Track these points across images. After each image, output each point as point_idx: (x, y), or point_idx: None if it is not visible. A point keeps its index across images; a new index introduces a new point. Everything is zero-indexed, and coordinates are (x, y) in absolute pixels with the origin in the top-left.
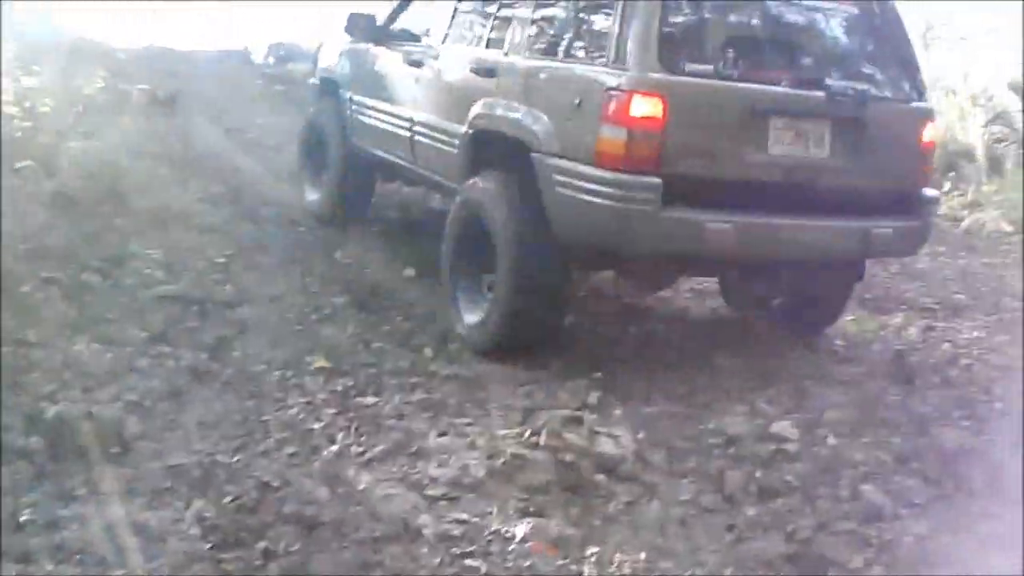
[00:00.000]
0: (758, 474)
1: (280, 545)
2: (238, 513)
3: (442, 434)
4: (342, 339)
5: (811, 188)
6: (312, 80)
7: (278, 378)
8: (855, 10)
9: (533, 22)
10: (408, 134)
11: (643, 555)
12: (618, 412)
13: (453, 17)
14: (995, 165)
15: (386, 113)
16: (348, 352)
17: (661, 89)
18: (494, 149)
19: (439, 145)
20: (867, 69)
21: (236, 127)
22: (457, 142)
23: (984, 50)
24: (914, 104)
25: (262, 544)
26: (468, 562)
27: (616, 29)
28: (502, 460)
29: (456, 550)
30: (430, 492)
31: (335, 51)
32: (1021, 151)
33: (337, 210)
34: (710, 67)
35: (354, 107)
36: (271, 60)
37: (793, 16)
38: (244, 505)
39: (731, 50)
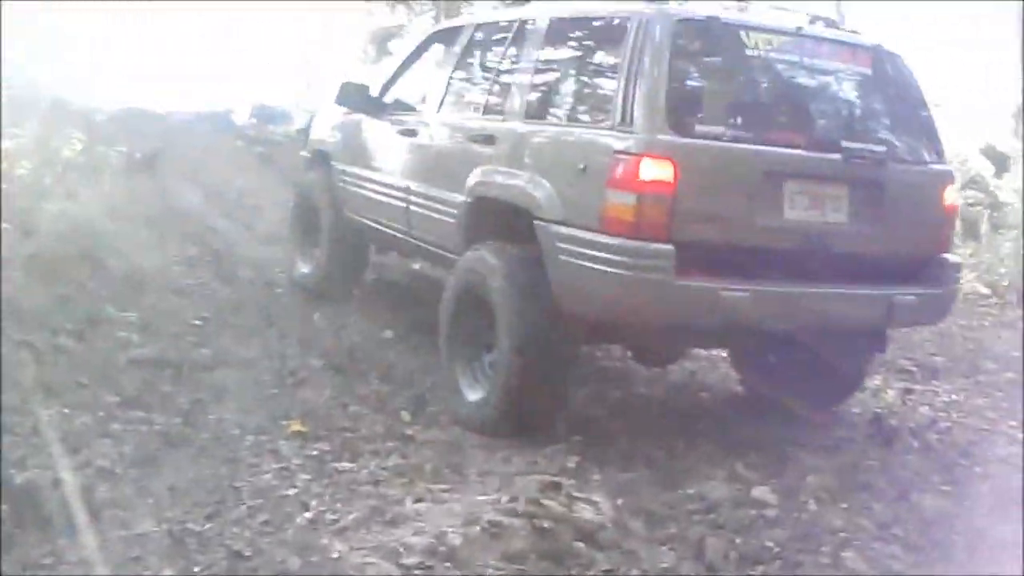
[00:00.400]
0: (738, 540)
1: None
2: None
3: (418, 500)
4: (318, 403)
5: (830, 254)
6: (303, 152)
7: (252, 443)
8: (869, 71)
9: (532, 87)
10: (404, 204)
11: None
12: (597, 477)
13: (448, 85)
14: (970, 229)
15: (381, 184)
16: (324, 416)
17: (671, 152)
18: (494, 218)
19: (436, 215)
20: (884, 131)
21: (215, 189)
22: (455, 211)
23: (957, 116)
24: (934, 166)
25: None
26: None
27: (621, 90)
28: (479, 527)
29: None
30: (405, 561)
31: (327, 122)
32: (995, 215)
33: (329, 283)
34: (721, 129)
35: (347, 178)
36: (253, 121)
37: (806, 76)
38: (214, 575)
39: (743, 111)
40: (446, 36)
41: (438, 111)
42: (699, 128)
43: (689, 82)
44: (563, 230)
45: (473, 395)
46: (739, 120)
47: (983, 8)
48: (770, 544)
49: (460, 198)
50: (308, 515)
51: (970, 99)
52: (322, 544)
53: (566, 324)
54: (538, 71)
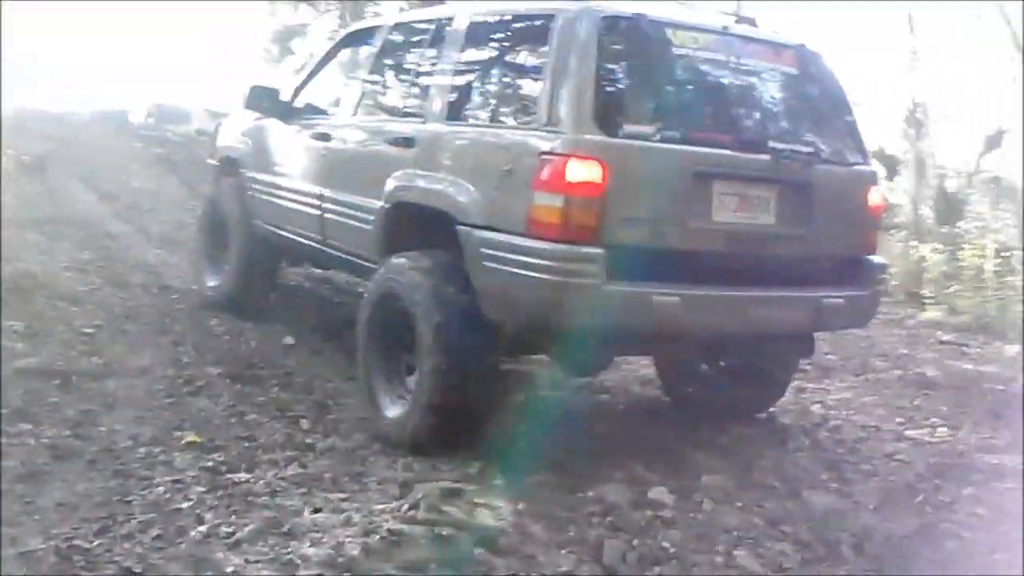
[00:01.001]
0: (635, 542)
1: None
2: None
3: (317, 511)
4: (215, 412)
5: (758, 257)
6: (210, 160)
7: (145, 455)
8: (794, 70)
9: (452, 88)
10: (318, 212)
11: None
12: (498, 482)
13: (363, 87)
14: None
15: (293, 191)
16: (221, 426)
17: (599, 152)
18: (414, 224)
19: (352, 222)
20: (810, 131)
21: (110, 191)
22: (372, 218)
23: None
24: (858, 167)
25: None
26: None
27: (547, 90)
28: (378, 536)
29: None
30: (302, 573)
31: (236, 128)
32: (884, 217)
33: (239, 296)
34: (650, 128)
35: (257, 186)
36: (151, 121)
37: (733, 76)
38: None
39: (671, 110)
40: (361, 37)
41: (353, 114)
42: (627, 128)
43: (616, 81)
44: (487, 235)
45: (393, 411)
46: (667, 119)
47: (873, 13)
48: (667, 545)
49: (377, 204)
50: (202, 528)
51: (860, 102)
52: (217, 558)
53: (491, 334)
54: (458, 72)
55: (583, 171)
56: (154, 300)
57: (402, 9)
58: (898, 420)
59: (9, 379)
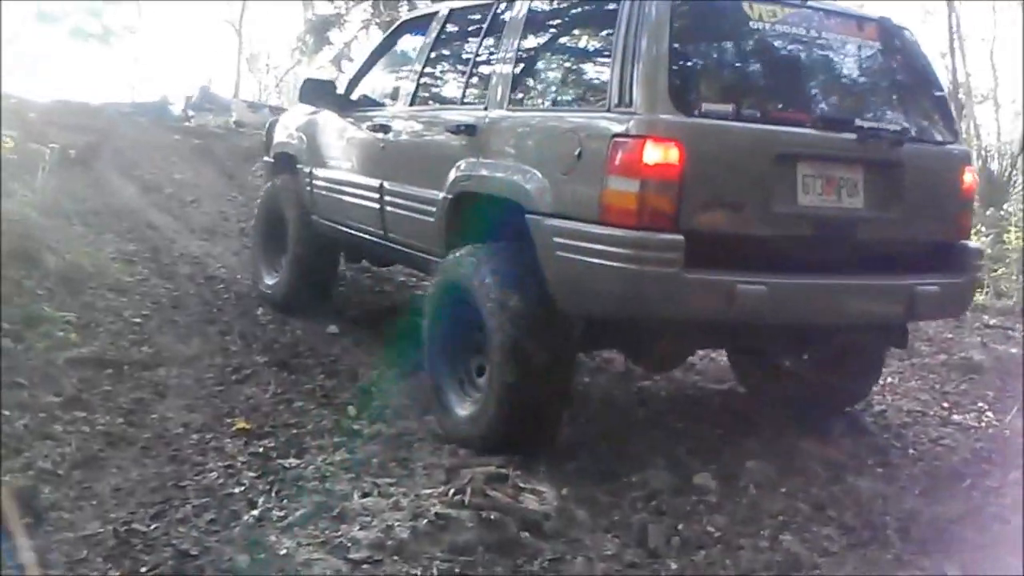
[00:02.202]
0: (680, 527)
1: None
2: None
3: (365, 495)
4: (263, 399)
5: (847, 243)
6: (266, 158)
7: (197, 441)
8: (878, 44)
9: (514, 73)
10: (377, 206)
11: None
12: (542, 468)
13: (421, 76)
14: None
15: (352, 185)
16: (269, 413)
17: (677, 133)
18: (479, 214)
19: (414, 215)
20: (898, 109)
21: (152, 183)
22: (435, 210)
23: None
24: (950, 146)
25: None
26: None
27: (618, 69)
28: (426, 520)
29: None
30: (353, 555)
31: (290, 124)
32: None
33: (298, 295)
34: (729, 107)
35: (315, 181)
36: (190, 113)
37: (814, 51)
38: (162, 575)
39: (750, 88)
40: (415, 25)
41: (411, 104)
42: (705, 107)
43: (691, 58)
44: (558, 223)
45: (463, 410)
46: (746, 98)
47: None
48: (711, 529)
49: (440, 195)
50: (255, 512)
51: None
52: (269, 541)
53: (565, 327)
54: (520, 57)
55: (659, 153)
56: (200, 290)
57: None
58: (944, 405)
59: (63, 368)
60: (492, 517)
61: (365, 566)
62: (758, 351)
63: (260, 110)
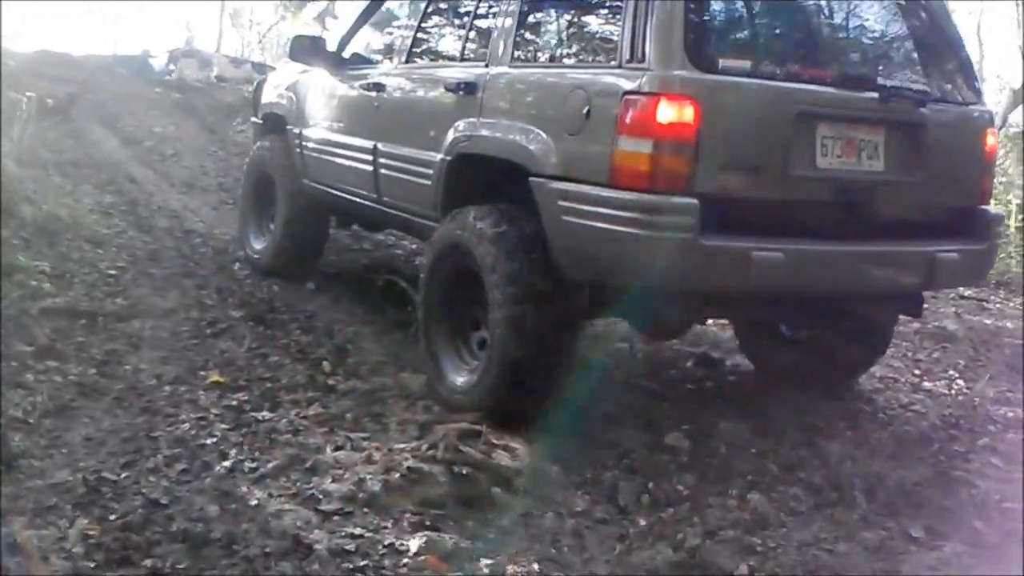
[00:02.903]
0: (650, 485)
1: (167, 563)
2: (124, 531)
3: (338, 448)
4: (238, 353)
5: (867, 207)
6: (253, 119)
7: (170, 393)
8: (901, 1)
9: (517, 27)
10: (371, 168)
11: (536, 566)
12: (516, 425)
13: (417, 32)
14: None
15: (343, 146)
16: (244, 367)
17: (693, 90)
18: (479, 177)
19: (409, 177)
20: (920, 67)
21: (132, 136)
22: (432, 172)
23: None
24: (973, 107)
25: (148, 562)
26: None
27: (629, 23)
28: (398, 474)
29: (348, 565)
30: (324, 507)
31: (279, 83)
32: None
33: (288, 260)
34: (747, 63)
35: (305, 142)
36: (172, 67)
37: (833, 5)
38: (131, 523)
39: (768, 43)
40: None
41: (407, 61)
42: (722, 63)
43: (707, 10)
44: (565, 186)
45: (459, 378)
46: (764, 53)
47: None
48: (680, 487)
49: (438, 156)
50: (226, 464)
51: None
52: (240, 492)
53: (569, 294)
54: (523, 10)
55: (674, 112)
56: (177, 244)
57: None
58: (915, 372)
59: (36, 318)
60: (464, 472)
61: (336, 518)
62: (768, 321)
63: (242, 65)
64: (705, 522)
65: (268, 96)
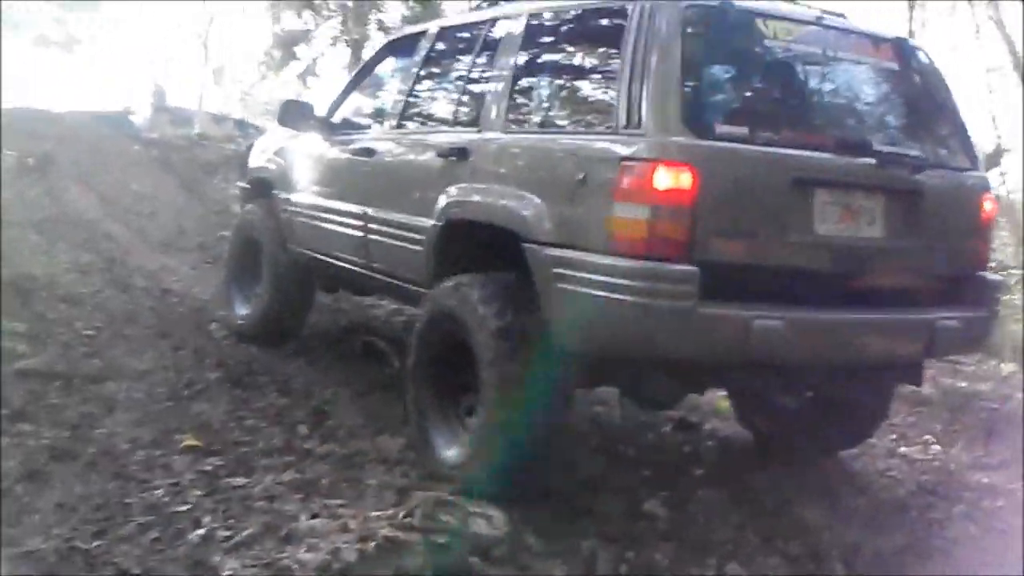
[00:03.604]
0: (629, 554)
1: None
2: None
3: (314, 516)
4: (214, 416)
5: (866, 275)
6: (240, 183)
7: (144, 458)
8: (896, 66)
9: (511, 93)
10: (360, 234)
11: None
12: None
13: (409, 98)
14: None
15: (332, 211)
16: (219, 430)
17: (690, 156)
18: (471, 243)
19: (400, 243)
20: (917, 133)
21: (110, 194)
22: (423, 238)
23: None
24: (970, 172)
25: None
26: None
27: (625, 88)
28: (374, 543)
29: None
30: None
31: (268, 148)
32: None
33: (272, 325)
34: (744, 130)
35: (293, 207)
36: (153, 122)
37: (830, 71)
38: None
39: (765, 109)
40: (403, 45)
41: (398, 126)
42: (718, 129)
43: (703, 77)
44: (560, 253)
45: (449, 452)
46: (761, 119)
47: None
48: (659, 556)
49: (429, 222)
50: (200, 532)
51: None
52: (214, 561)
53: (564, 366)
54: (517, 76)
55: (672, 178)
56: (155, 304)
57: (411, 7)
58: (891, 437)
59: (10, 380)
60: (442, 541)
61: None
62: (764, 391)
63: (224, 122)
64: None
65: (256, 160)
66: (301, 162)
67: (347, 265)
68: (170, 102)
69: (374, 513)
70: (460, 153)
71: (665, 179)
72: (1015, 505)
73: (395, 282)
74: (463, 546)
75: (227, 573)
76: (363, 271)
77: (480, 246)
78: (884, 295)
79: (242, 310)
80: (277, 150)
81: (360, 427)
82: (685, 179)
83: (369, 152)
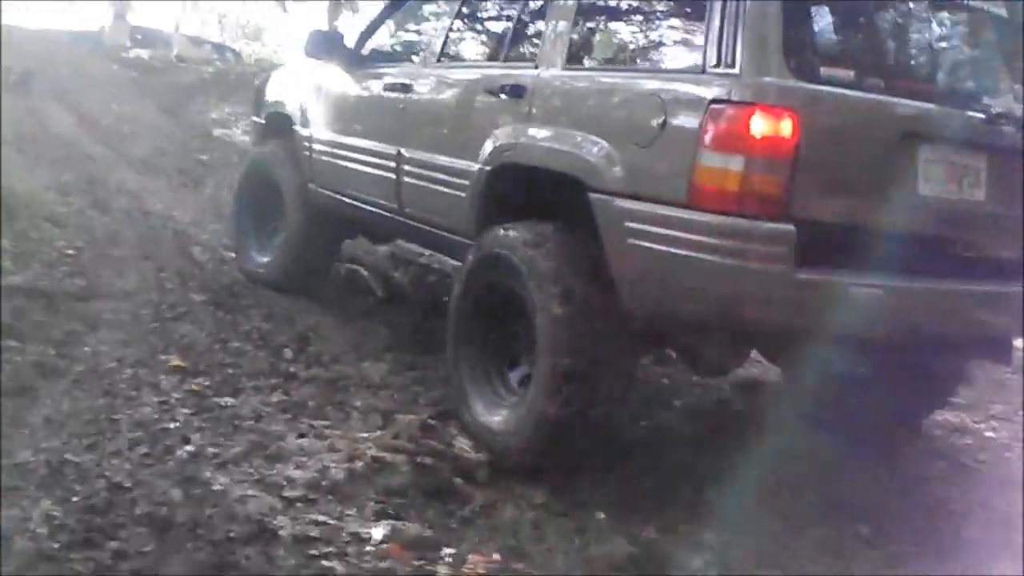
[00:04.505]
0: (610, 479)
1: (132, 546)
2: (88, 513)
3: (301, 436)
4: (199, 338)
5: (969, 241)
6: (255, 118)
7: (130, 376)
8: (1004, 14)
9: (575, 23)
10: (393, 175)
11: (497, 555)
12: None
13: (452, 28)
14: None
15: (361, 151)
16: (205, 352)
17: (792, 101)
18: (524, 190)
19: (439, 187)
20: (1020, 89)
21: (90, 114)
22: (467, 183)
23: None
24: None
25: (113, 544)
26: (324, 563)
27: (716, 22)
28: (362, 463)
29: (313, 551)
30: (288, 494)
31: (287, 81)
32: None
33: (298, 273)
34: (850, 74)
35: (316, 146)
36: (128, 44)
37: (938, 14)
38: (94, 505)
39: (871, 53)
40: None
41: (439, 60)
42: (824, 72)
43: (807, 11)
44: (633, 205)
45: (493, 418)
46: (868, 63)
47: None
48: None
49: (475, 166)
50: (189, 448)
51: None
52: (204, 477)
53: (628, 329)
54: (583, 5)
55: (771, 125)
56: (136, 225)
57: None
58: None
59: None
60: (427, 463)
61: (300, 504)
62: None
63: (202, 46)
64: (663, 517)
65: (273, 94)
66: (326, 97)
67: (376, 209)
68: (142, 23)
69: (361, 434)
70: (514, 91)
71: (763, 125)
72: (982, 443)
73: (431, 229)
74: (447, 467)
75: (218, 488)
76: (394, 216)
77: (533, 194)
78: (987, 264)
79: (261, 257)
80: (298, 84)
81: (344, 353)
82: (786, 127)
83: (405, 88)
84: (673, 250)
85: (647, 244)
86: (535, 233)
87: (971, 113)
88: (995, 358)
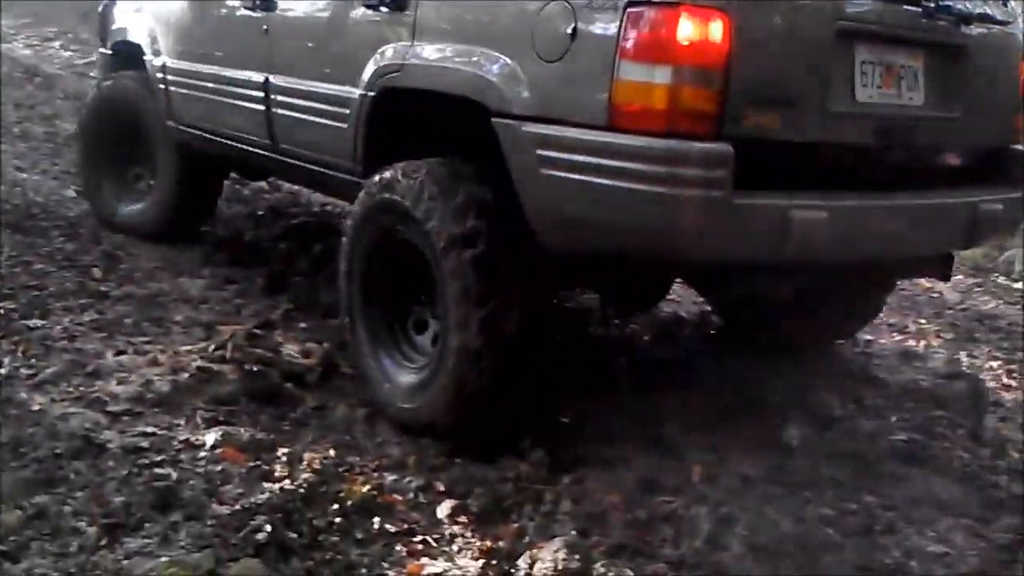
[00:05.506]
0: None
1: None
2: None
3: (120, 353)
4: None
5: (908, 151)
6: (101, 49)
7: None
8: None
9: None
10: (262, 107)
11: (332, 451)
12: (303, 325)
13: None
14: None
15: (223, 80)
16: (6, 275)
17: (723, 2)
18: (414, 119)
19: (315, 118)
20: None
21: None
22: (348, 112)
23: None
24: (1010, 27)
25: None
26: (158, 471)
27: None
28: (187, 374)
29: (144, 461)
30: (111, 409)
31: (136, 6)
32: None
33: (178, 223)
34: None
35: (172, 77)
36: None
37: None
38: None
39: None
40: None
41: None
42: None
43: None
44: (544, 130)
45: (401, 380)
46: None
47: None
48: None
49: (355, 93)
50: (1, 371)
51: None
52: (20, 398)
53: (545, 271)
54: None
55: (700, 29)
56: None
57: None
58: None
59: None
60: (255, 370)
61: (126, 418)
62: (775, 290)
63: None
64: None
65: (120, 20)
66: (180, 20)
67: (244, 146)
68: None
69: (184, 347)
70: (396, 3)
71: (691, 30)
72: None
73: (311, 167)
74: (276, 373)
75: (36, 408)
76: (267, 153)
77: (427, 121)
78: (927, 174)
79: (128, 206)
80: (148, 8)
81: (158, 270)
82: (716, 30)
83: (268, 5)
84: (593, 179)
85: (562, 174)
86: (427, 169)
87: (909, 6)
88: (935, 274)
